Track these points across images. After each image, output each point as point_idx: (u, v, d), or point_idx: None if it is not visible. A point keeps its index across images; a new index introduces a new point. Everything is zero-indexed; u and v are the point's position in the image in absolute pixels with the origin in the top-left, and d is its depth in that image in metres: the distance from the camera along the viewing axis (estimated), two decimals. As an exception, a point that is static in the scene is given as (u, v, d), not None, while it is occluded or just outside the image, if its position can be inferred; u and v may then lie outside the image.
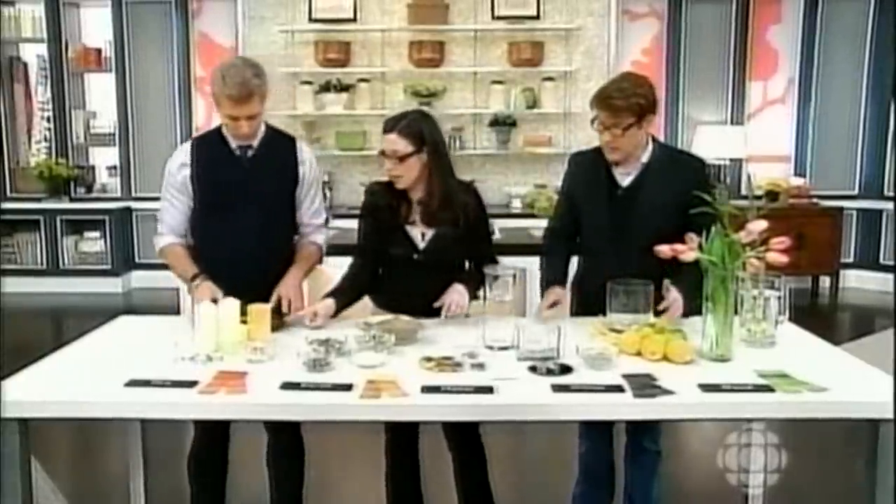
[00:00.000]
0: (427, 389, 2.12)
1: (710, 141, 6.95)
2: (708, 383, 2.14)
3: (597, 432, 2.88)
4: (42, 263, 7.41)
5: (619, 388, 2.13)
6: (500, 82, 7.06)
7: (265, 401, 2.12)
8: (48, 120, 7.42)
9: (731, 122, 7.30)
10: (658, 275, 2.53)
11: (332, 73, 7.05)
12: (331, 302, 2.74)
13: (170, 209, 2.83)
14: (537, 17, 7.03)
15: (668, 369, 2.26)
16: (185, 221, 2.84)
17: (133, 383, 2.15)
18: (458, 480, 2.84)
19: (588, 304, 2.79)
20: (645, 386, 2.13)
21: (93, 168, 7.66)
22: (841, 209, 7.18)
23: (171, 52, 7.31)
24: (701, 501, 3.41)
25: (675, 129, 7.32)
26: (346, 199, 6.84)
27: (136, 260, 7.42)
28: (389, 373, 2.22)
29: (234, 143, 2.78)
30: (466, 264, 2.86)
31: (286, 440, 2.87)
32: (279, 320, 2.64)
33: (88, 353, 2.51)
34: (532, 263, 2.94)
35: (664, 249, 2.40)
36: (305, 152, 2.91)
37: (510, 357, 2.36)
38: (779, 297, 2.48)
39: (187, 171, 2.79)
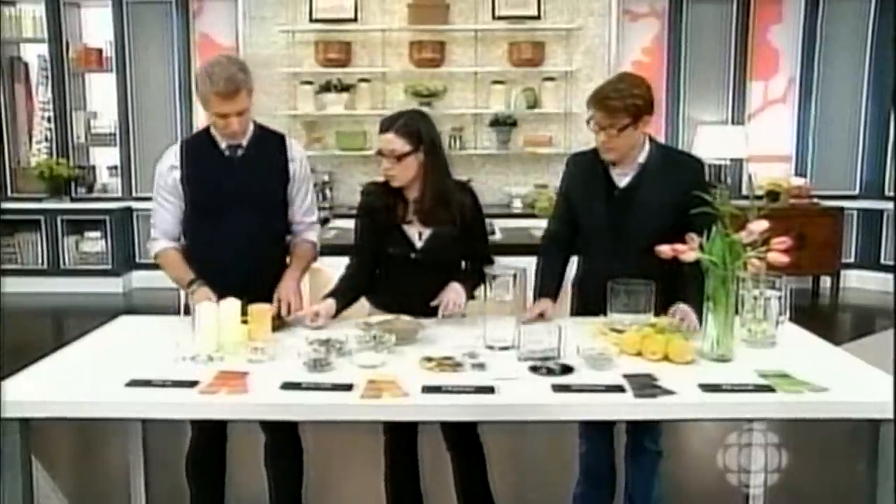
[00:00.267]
0: (428, 389, 2.12)
1: (710, 141, 6.95)
2: (708, 383, 2.14)
3: (597, 432, 2.87)
4: (43, 263, 7.42)
5: (619, 388, 2.13)
6: (500, 82, 7.06)
7: (266, 401, 2.12)
8: (49, 120, 7.42)
9: (732, 122, 7.29)
10: (658, 275, 2.53)
11: (333, 73, 7.06)
12: (331, 302, 2.74)
13: (162, 212, 2.81)
14: (538, 17, 7.03)
15: (669, 369, 2.26)
16: (179, 224, 2.82)
17: (134, 383, 2.16)
18: (458, 481, 2.84)
19: (588, 304, 2.79)
20: (645, 386, 2.13)
21: (93, 168, 7.66)
22: (842, 209, 7.17)
23: (171, 52, 7.31)
24: (701, 501, 3.41)
25: (675, 129, 7.32)
26: (346, 199, 6.84)
27: (137, 260, 7.42)
28: (390, 373, 2.22)
29: (223, 144, 2.76)
30: (463, 264, 2.86)
31: (284, 440, 2.87)
32: (279, 321, 2.64)
33: (89, 353, 2.51)
34: (532, 263, 2.94)
35: (665, 249, 2.40)
36: (296, 149, 2.90)
37: (511, 357, 2.36)
38: (779, 298, 2.48)
39: (177, 174, 2.77)
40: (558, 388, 2.13)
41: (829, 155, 7.37)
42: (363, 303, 2.86)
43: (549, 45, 7.11)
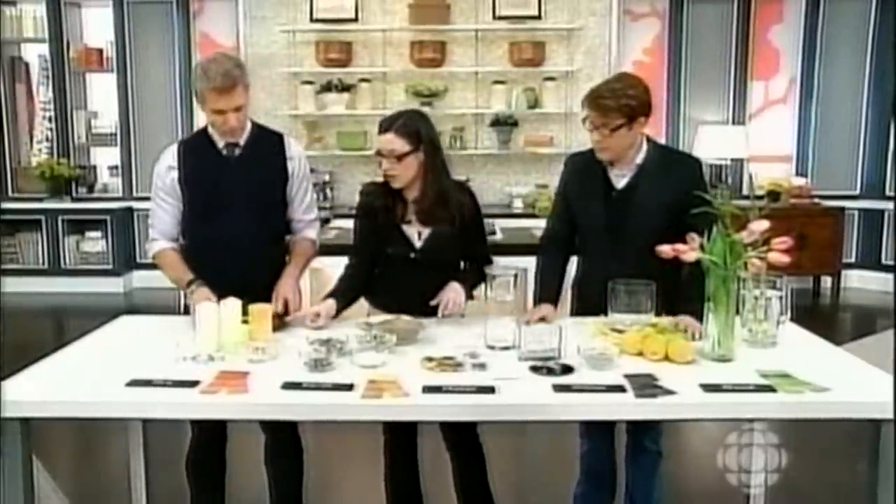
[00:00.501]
0: (428, 389, 2.12)
1: (711, 141, 6.95)
2: (709, 383, 2.14)
3: (598, 432, 2.87)
4: (43, 263, 7.42)
5: (620, 388, 2.13)
6: (501, 82, 7.06)
7: (266, 401, 2.12)
8: (50, 120, 7.42)
9: (733, 122, 7.29)
10: (657, 275, 2.53)
11: (334, 73, 7.06)
12: (332, 302, 2.74)
13: (160, 213, 2.81)
14: (539, 17, 7.03)
15: (670, 369, 2.26)
16: (177, 225, 2.82)
17: (134, 383, 2.16)
18: (458, 481, 2.84)
19: (588, 304, 2.79)
20: (646, 386, 2.13)
21: (94, 168, 7.67)
22: (842, 209, 7.17)
23: (172, 52, 7.31)
24: (702, 502, 3.41)
25: (676, 129, 7.32)
26: (347, 199, 6.83)
27: (138, 260, 7.42)
28: (390, 373, 2.22)
29: (220, 143, 2.76)
30: (462, 264, 2.86)
31: (284, 440, 2.87)
32: (279, 320, 2.64)
33: (90, 353, 2.51)
34: (533, 263, 2.93)
35: (666, 249, 2.40)
36: (294, 148, 2.89)
37: (511, 357, 2.36)
38: (780, 297, 2.48)
39: (175, 174, 2.76)
40: (559, 388, 2.13)
41: (829, 155, 7.36)
42: (363, 303, 2.86)
43: (549, 45, 7.11)
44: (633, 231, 2.66)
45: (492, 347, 2.43)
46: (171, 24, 7.29)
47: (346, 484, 3.63)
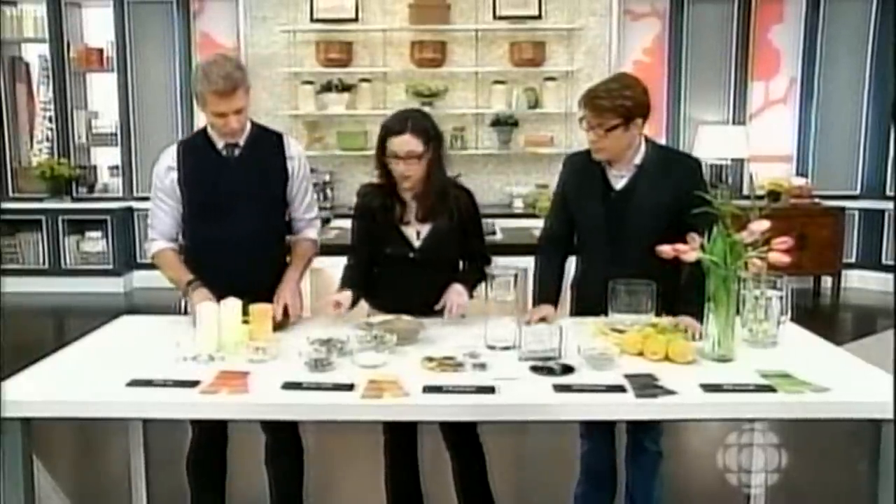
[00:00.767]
0: (429, 389, 2.12)
1: (711, 141, 6.95)
2: (710, 383, 2.14)
3: (598, 432, 2.87)
4: (44, 263, 7.42)
5: (620, 389, 2.13)
6: (501, 82, 7.07)
7: (267, 401, 2.12)
8: (50, 120, 7.42)
9: (733, 122, 7.29)
10: (656, 275, 2.52)
11: (334, 73, 7.06)
12: (349, 293, 2.72)
13: (159, 214, 2.81)
14: (539, 17, 7.03)
15: (670, 369, 2.26)
16: (176, 225, 2.82)
17: (135, 383, 2.16)
18: (458, 481, 2.84)
19: (587, 304, 2.79)
20: (647, 386, 2.13)
21: (94, 168, 7.67)
22: (843, 209, 7.17)
23: (172, 51, 7.31)
24: (702, 502, 3.41)
25: (676, 129, 7.32)
26: (347, 199, 6.81)
27: (138, 260, 7.42)
28: (391, 373, 2.22)
29: (220, 144, 2.75)
30: (461, 264, 2.86)
31: (284, 440, 2.87)
32: (280, 322, 2.64)
33: (90, 353, 2.51)
34: (533, 263, 2.93)
35: (666, 250, 2.39)
36: (294, 148, 2.88)
37: (512, 357, 2.36)
38: (781, 298, 2.48)
39: (174, 175, 2.76)
40: (559, 388, 2.13)
41: (830, 155, 7.36)
42: (363, 303, 2.86)
43: (549, 45, 7.11)
44: (631, 232, 2.66)
45: (492, 347, 2.43)
46: (171, 24, 7.29)
47: (347, 484, 3.63)
